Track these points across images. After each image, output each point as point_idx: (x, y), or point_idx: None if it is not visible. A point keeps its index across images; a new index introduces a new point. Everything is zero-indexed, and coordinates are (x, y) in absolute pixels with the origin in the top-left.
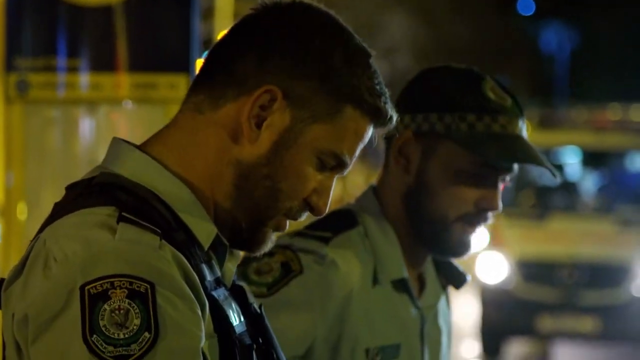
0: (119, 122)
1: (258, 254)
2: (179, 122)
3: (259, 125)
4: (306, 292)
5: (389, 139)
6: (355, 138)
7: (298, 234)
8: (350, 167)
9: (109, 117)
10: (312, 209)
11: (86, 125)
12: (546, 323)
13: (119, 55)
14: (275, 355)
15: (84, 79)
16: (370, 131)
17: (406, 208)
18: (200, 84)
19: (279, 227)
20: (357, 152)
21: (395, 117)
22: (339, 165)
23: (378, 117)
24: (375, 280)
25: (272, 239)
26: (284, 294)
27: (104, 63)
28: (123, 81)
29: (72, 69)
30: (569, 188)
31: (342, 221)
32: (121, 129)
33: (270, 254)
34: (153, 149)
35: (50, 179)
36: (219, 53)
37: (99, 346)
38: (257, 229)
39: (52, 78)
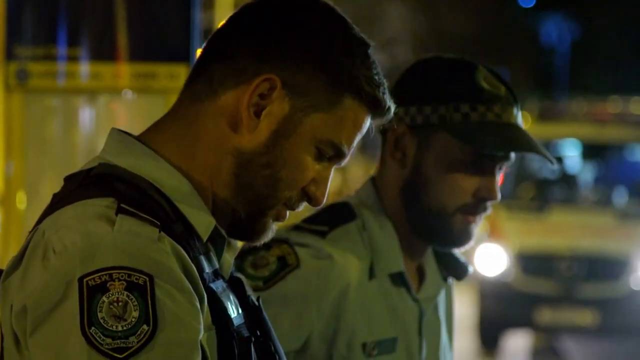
0: (119, 111)
1: (259, 243)
2: (178, 111)
3: (258, 114)
4: (302, 287)
5: (384, 132)
6: (354, 128)
7: (295, 227)
8: (348, 158)
9: (108, 107)
10: (310, 199)
11: (86, 115)
12: (545, 316)
13: (119, 45)
14: (272, 348)
15: (84, 68)
16: (368, 121)
17: (404, 202)
18: (198, 73)
19: (279, 217)
20: (356, 142)
21: (393, 108)
22: (337, 155)
23: (377, 107)
24: (372, 274)
25: (272, 229)
26: (280, 288)
27: (104, 52)
28: (123, 71)
29: (72, 58)
30: (569, 181)
31: (339, 214)
32: (121, 118)
33: (267, 247)
34: (151, 139)
35: (50, 169)
36: (218, 42)
37: (97, 338)
38: (257, 219)
39: (52, 67)
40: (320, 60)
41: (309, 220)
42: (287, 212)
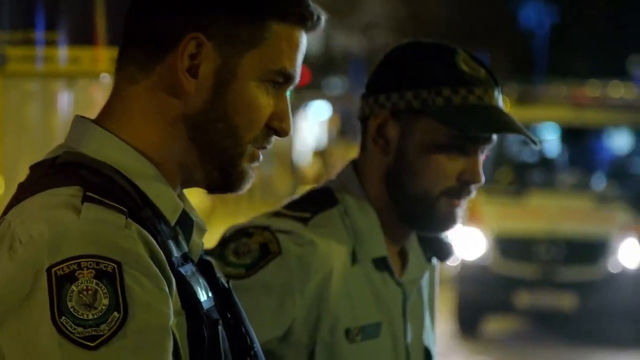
0: (98, 95)
1: (243, 191)
2: (119, 96)
3: (194, 75)
4: (285, 274)
5: (364, 119)
6: (291, 50)
7: (277, 214)
8: (297, 79)
9: (87, 91)
10: (278, 133)
11: (64, 99)
12: (523, 299)
13: (97, 29)
14: (243, 330)
15: (63, 52)
16: (304, 38)
17: (388, 188)
18: (125, 55)
19: (253, 159)
20: (300, 62)
21: (323, 16)
22: (287, 80)
23: (305, 21)
24: (355, 259)
25: (251, 173)
26: (263, 276)
27: (82, 37)
28: (101, 55)
29: (51, 43)
30: (547, 164)
31: (321, 200)
32: (99, 102)
33: (249, 234)
34: (107, 125)
35: (28, 152)
36: (133, 20)
37: (68, 327)
38: (231, 170)
39: (31, 51)
40: (233, 1)
41: (291, 206)
42: (260, 152)
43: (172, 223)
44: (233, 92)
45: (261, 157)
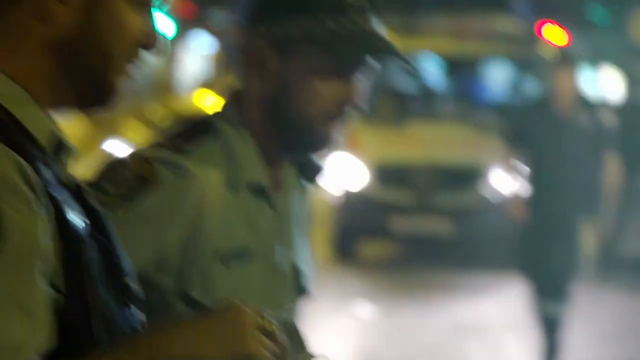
0: None
1: (113, 105)
2: None
3: (62, 1)
4: (161, 202)
5: (243, 48)
6: None
7: (155, 144)
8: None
9: None
10: (147, 47)
11: None
12: (401, 224)
13: None
14: (117, 254)
15: None
16: None
17: (267, 115)
18: None
19: (124, 73)
20: None
21: None
22: None
23: None
24: (231, 186)
25: (122, 88)
26: (139, 205)
27: None
28: None
29: None
30: (428, 95)
31: (199, 130)
32: None
33: (125, 164)
34: None
35: None
36: None
37: None
38: (102, 86)
39: None
40: None
41: (169, 136)
42: (130, 67)
43: (45, 147)
44: (102, 13)
45: (131, 71)
